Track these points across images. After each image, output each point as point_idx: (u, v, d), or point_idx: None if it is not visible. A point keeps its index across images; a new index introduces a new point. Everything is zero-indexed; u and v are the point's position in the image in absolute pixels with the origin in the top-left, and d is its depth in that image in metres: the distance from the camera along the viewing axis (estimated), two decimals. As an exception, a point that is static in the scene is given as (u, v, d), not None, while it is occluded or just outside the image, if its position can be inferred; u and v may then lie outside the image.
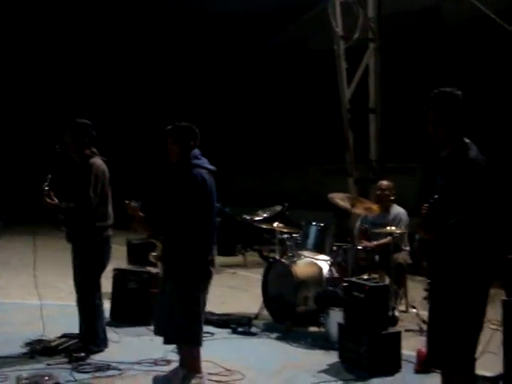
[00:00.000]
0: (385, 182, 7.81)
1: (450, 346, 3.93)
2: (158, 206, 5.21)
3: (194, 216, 4.97)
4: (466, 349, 3.95)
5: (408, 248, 7.52)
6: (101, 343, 5.97)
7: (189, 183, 5.02)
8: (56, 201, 5.78)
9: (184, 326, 5.01)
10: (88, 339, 5.90)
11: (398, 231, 7.14)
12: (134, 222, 5.25)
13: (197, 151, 5.20)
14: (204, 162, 5.18)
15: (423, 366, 5.36)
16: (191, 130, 5.23)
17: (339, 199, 7.37)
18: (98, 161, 5.95)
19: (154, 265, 7.55)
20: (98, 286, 6.00)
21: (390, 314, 6.29)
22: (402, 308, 7.43)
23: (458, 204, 3.90)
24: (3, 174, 18.55)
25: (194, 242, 4.99)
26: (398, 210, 7.61)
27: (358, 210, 7.42)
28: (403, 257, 7.35)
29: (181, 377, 5.09)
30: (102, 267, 6.02)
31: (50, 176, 5.74)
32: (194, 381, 5.04)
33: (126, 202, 5.19)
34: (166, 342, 5.18)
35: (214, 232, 5.16)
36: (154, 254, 5.32)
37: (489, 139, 8.35)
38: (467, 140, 4.08)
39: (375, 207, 7.32)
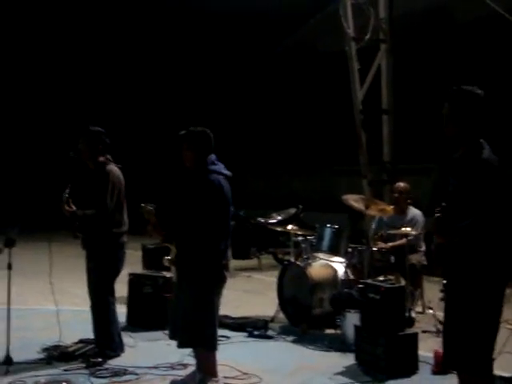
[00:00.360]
0: (402, 184, 7.79)
1: (467, 347, 3.91)
2: (172, 211, 5.22)
3: (210, 221, 4.97)
4: (483, 349, 3.92)
5: (423, 249, 7.49)
6: (117, 348, 5.99)
7: (205, 188, 5.02)
8: (73, 208, 5.83)
9: (198, 330, 5.03)
10: (103, 344, 5.92)
11: (413, 232, 7.11)
12: (148, 226, 5.27)
13: (213, 156, 5.20)
14: (221, 167, 5.18)
15: (440, 367, 5.33)
16: (205, 135, 5.22)
17: (353, 201, 7.35)
18: (114, 168, 6.00)
19: (168, 269, 7.58)
20: (112, 292, 6.02)
21: (407, 315, 6.27)
22: (419, 309, 7.40)
23: (470, 205, 3.87)
24: (19, 181, 18.70)
25: (208, 247, 5.00)
26: (414, 212, 7.59)
27: (373, 212, 7.40)
28: (417, 258, 7.32)
29: (197, 381, 5.10)
30: (117, 273, 6.04)
31: (70, 185, 5.79)
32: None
33: (142, 205, 5.22)
34: (180, 345, 5.19)
35: (229, 237, 5.16)
36: (167, 258, 5.34)
37: (501, 138, 8.31)
38: (481, 140, 4.06)
39: (389, 209, 7.30)
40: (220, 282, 5.14)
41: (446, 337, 4.08)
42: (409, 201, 7.62)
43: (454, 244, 3.95)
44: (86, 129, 6.05)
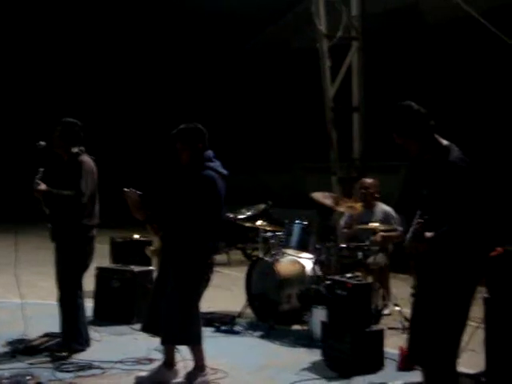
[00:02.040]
0: (368, 180, 7.82)
1: (433, 343, 3.95)
2: (163, 203, 5.16)
3: (200, 217, 4.95)
4: (448, 346, 3.97)
5: (390, 247, 7.53)
6: (83, 342, 5.94)
7: (198, 184, 4.99)
8: (44, 187, 5.70)
9: (184, 327, 5.05)
10: (70, 337, 5.86)
11: (382, 227, 7.12)
12: (130, 208, 5.18)
13: (210, 153, 5.18)
14: (217, 165, 5.15)
15: (406, 363, 5.38)
16: (198, 131, 5.19)
17: (322, 198, 7.38)
18: (87, 159, 5.95)
19: (143, 264, 7.52)
20: (79, 285, 5.96)
21: (383, 312, 6.28)
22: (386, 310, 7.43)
23: (445, 208, 3.91)
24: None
25: (196, 244, 4.99)
26: (383, 207, 7.60)
27: (342, 209, 7.43)
28: (382, 257, 7.31)
29: (188, 374, 5.17)
30: (85, 266, 5.99)
31: (42, 169, 5.69)
32: (199, 378, 5.13)
33: (125, 189, 5.13)
34: (164, 342, 5.19)
35: (218, 236, 5.15)
36: (151, 248, 5.28)
37: (471, 138, 8.41)
38: (446, 142, 4.10)
39: (358, 205, 7.33)
40: (205, 280, 5.15)
41: (413, 331, 4.12)
42: (376, 195, 7.64)
43: (432, 248, 3.98)
44: (61, 119, 6.00)
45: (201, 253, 5.04)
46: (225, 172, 5.17)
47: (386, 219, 7.38)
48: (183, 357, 5.38)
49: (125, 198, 5.15)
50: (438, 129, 4.12)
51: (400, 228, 7.21)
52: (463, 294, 3.97)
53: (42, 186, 5.68)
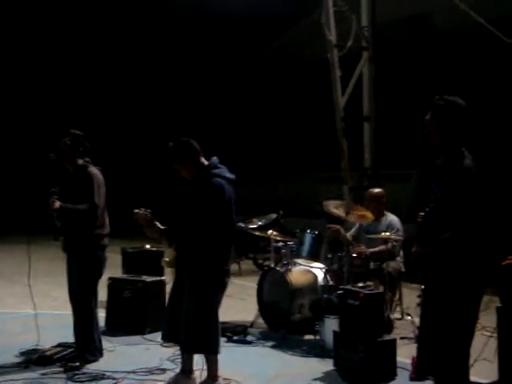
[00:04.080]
0: (375, 190, 7.79)
1: (443, 353, 3.94)
2: (175, 216, 5.18)
3: (213, 225, 4.96)
4: (459, 356, 3.96)
5: (401, 255, 7.51)
6: (96, 352, 5.95)
7: (208, 192, 5.00)
8: (59, 204, 5.71)
9: (203, 335, 5.06)
10: (84, 348, 5.88)
11: (392, 237, 7.13)
12: (144, 229, 5.20)
13: (215, 160, 5.20)
14: (223, 170, 5.16)
15: (418, 373, 5.36)
16: (183, 147, 5.15)
17: (333, 207, 7.37)
18: (95, 170, 5.98)
19: (155, 274, 7.53)
20: (94, 295, 5.99)
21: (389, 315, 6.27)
22: (397, 315, 7.43)
23: (452, 214, 3.91)
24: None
25: (213, 252, 5.01)
26: (390, 217, 7.59)
27: (353, 218, 7.42)
28: (393, 265, 7.32)
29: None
30: (99, 275, 6.00)
31: (55, 189, 5.73)
32: None
33: (135, 211, 5.15)
34: (185, 350, 5.22)
35: (232, 242, 5.16)
36: (166, 259, 5.30)
37: (482, 145, 8.39)
38: (463, 149, 4.10)
39: (370, 215, 7.32)
40: (222, 287, 5.16)
41: (422, 342, 4.11)
42: (382, 206, 7.61)
43: (435, 254, 3.98)
44: (67, 131, 6.03)
45: (216, 259, 5.05)
46: (232, 176, 5.17)
47: (388, 229, 7.37)
48: (198, 365, 5.37)
49: (136, 219, 5.16)
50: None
51: (400, 238, 7.24)
52: (469, 302, 3.96)
53: (57, 204, 5.71)
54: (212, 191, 5.00)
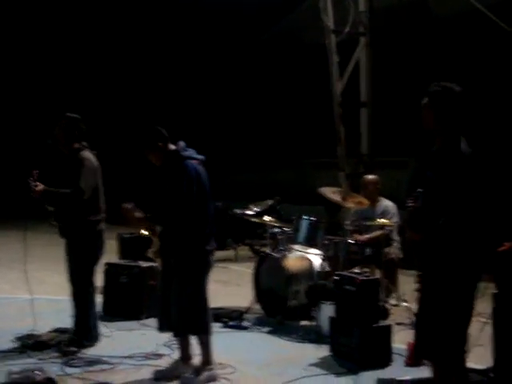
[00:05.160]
0: (370, 177, 7.84)
1: (440, 338, 3.95)
2: (155, 201, 5.20)
3: (190, 207, 4.98)
4: (455, 341, 3.97)
5: (398, 240, 7.54)
6: (93, 338, 5.96)
7: (182, 175, 5.03)
8: (43, 187, 5.69)
9: (193, 317, 5.08)
10: (81, 333, 5.88)
11: (388, 224, 7.15)
12: (129, 223, 5.23)
13: (182, 143, 5.25)
14: (192, 152, 5.23)
15: (413, 359, 5.38)
16: (151, 132, 5.20)
17: (330, 193, 7.38)
18: (88, 154, 5.93)
19: (152, 260, 7.55)
20: (91, 281, 5.99)
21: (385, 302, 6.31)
22: (394, 301, 7.45)
23: (447, 199, 3.91)
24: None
25: (191, 233, 5.03)
26: (386, 203, 7.64)
27: (349, 204, 7.43)
28: (394, 251, 7.36)
29: (194, 368, 5.19)
30: (95, 260, 6.00)
31: (37, 171, 5.70)
32: (206, 372, 5.14)
33: (122, 205, 5.17)
34: (177, 334, 5.24)
35: (212, 222, 5.19)
36: (152, 250, 5.32)
37: (479, 131, 8.38)
38: (459, 135, 4.10)
39: (366, 201, 7.33)
40: (206, 267, 5.18)
41: (419, 327, 4.12)
42: (376, 191, 7.66)
43: (429, 240, 3.98)
44: (63, 115, 6.00)
45: (197, 240, 5.08)
46: (202, 157, 5.24)
47: (383, 214, 7.41)
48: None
49: (123, 214, 5.17)
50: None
51: (396, 220, 7.28)
52: (466, 288, 3.97)
53: (40, 187, 5.69)
54: (186, 173, 5.03)
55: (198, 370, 5.20)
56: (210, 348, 5.24)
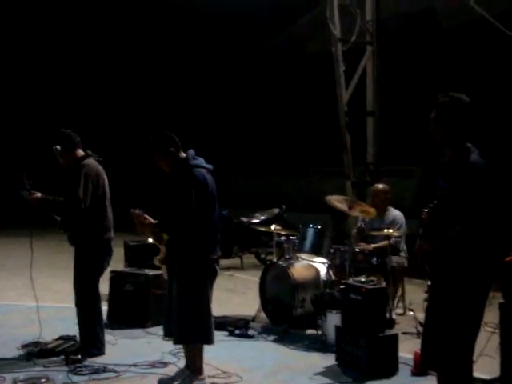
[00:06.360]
0: (380, 186, 7.81)
1: (449, 348, 3.93)
2: (162, 209, 5.21)
3: (196, 215, 4.97)
4: (463, 351, 3.95)
5: (405, 250, 7.52)
6: (101, 346, 5.94)
7: (190, 183, 5.03)
8: (40, 194, 5.72)
9: (194, 325, 5.05)
10: (89, 343, 5.87)
11: (395, 234, 7.14)
12: (137, 227, 5.23)
13: (192, 152, 5.25)
14: (201, 161, 5.23)
15: (420, 368, 5.36)
16: (164, 137, 5.22)
17: (337, 202, 7.36)
18: (91, 162, 5.91)
19: (157, 268, 7.54)
20: (96, 289, 5.96)
21: (387, 316, 6.28)
22: (400, 311, 7.43)
23: (460, 210, 3.89)
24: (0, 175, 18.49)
25: (195, 242, 5.01)
26: (394, 213, 7.61)
27: (356, 213, 7.41)
28: (397, 260, 7.33)
29: (184, 377, 5.13)
30: (100, 269, 5.98)
31: (30, 182, 5.71)
32: (196, 382, 5.10)
33: (132, 211, 5.18)
34: (178, 342, 5.23)
35: (217, 231, 5.18)
36: (157, 257, 5.31)
37: (486, 141, 8.36)
38: (469, 144, 4.09)
39: (372, 210, 7.32)
40: (211, 276, 5.16)
41: (427, 336, 4.10)
42: (386, 201, 7.64)
43: (442, 250, 3.97)
44: (58, 132, 5.97)
45: (201, 249, 5.05)
46: (210, 167, 5.24)
47: (392, 224, 7.39)
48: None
49: (133, 219, 5.18)
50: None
51: (403, 231, 7.26)
52: (476, 298, 3.95)
53: (37, 194, 5.71)
54: (194, 181, 5.03)
55: (187, 379, 5.14)
56: (201, 358, 5.18)
